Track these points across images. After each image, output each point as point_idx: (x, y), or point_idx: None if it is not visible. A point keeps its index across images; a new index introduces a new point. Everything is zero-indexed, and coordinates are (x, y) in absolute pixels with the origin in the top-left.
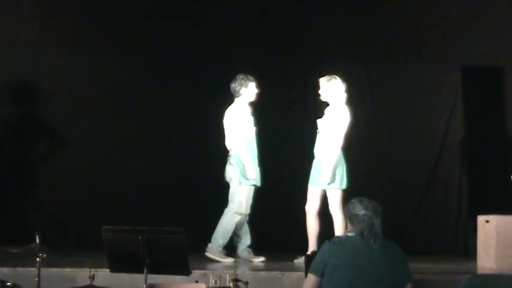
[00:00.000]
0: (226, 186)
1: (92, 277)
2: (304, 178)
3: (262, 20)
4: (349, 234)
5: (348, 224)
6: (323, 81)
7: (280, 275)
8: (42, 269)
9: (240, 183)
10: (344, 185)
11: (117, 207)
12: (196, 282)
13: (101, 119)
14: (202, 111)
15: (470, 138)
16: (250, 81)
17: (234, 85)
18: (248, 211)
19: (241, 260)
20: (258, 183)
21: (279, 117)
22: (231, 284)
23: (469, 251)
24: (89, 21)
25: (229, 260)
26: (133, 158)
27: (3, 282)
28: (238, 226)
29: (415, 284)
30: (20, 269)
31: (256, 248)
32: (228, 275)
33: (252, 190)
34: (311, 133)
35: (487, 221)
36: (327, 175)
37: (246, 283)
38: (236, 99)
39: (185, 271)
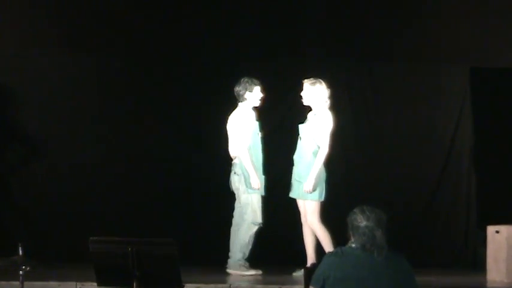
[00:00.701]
0: (221, 195)
1: None
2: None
3: (262, 20)
4: (353, 245)
5: (351, 235)
6: (307, 84)
7: None
8: (25, 283)
9: (248, 193)
10: (323, 197)
11: (104, 217)
12: None
13: (89, 126)
14: (195, 116)
15: (479, 144)
16: (256, 85)
17: (238, 89)
18: (261, 220)
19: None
20: (263, 193)
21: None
22: None
23: (478, 263)
24: (72, 22)
25: (253, 272)
26: (121, 166)
27: None
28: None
29: None
30: (3, 282)
31: (253, 260)
32: None
33: (260, 198)
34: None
35: (497, 232)
36: (308, 184)
37: None
38: (240, 104)
39: (177, 284)
